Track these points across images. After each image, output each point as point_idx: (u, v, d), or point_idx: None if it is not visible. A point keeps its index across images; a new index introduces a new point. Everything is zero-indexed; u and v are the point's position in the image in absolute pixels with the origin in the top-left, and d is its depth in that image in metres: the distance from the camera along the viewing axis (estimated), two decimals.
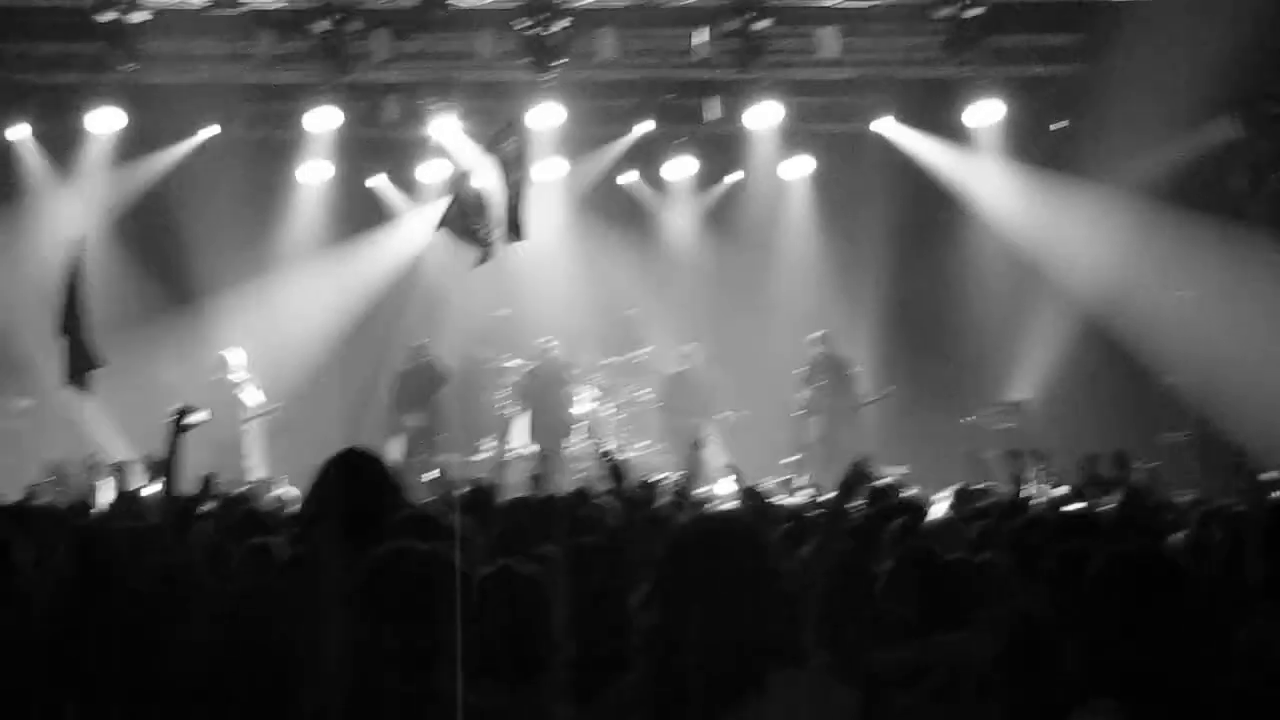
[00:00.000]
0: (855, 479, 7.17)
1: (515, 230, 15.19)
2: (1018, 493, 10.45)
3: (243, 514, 8.80)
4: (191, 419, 7.78)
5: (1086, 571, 4.66)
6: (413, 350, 21.13)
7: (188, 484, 8.77)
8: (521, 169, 15.21)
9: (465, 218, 14.86)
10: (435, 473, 15.77)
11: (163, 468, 7.68)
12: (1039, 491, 12.42)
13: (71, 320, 14.06)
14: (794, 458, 20.00)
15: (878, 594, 6.84)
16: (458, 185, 14.98)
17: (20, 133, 21.78)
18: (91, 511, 10.78)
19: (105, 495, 11.85)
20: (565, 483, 15.28)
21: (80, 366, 14.08)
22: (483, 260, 15.15)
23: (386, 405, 21.12)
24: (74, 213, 21.29)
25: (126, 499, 10.93)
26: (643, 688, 4.14)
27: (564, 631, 5.27)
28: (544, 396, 21.34)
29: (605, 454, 7.75)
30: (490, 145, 15.13)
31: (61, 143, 21.97)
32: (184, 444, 7.71)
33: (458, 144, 22.16)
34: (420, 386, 21.28)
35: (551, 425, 21.14)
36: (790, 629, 4.03)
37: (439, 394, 21.56)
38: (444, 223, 14.86)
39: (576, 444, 21.22)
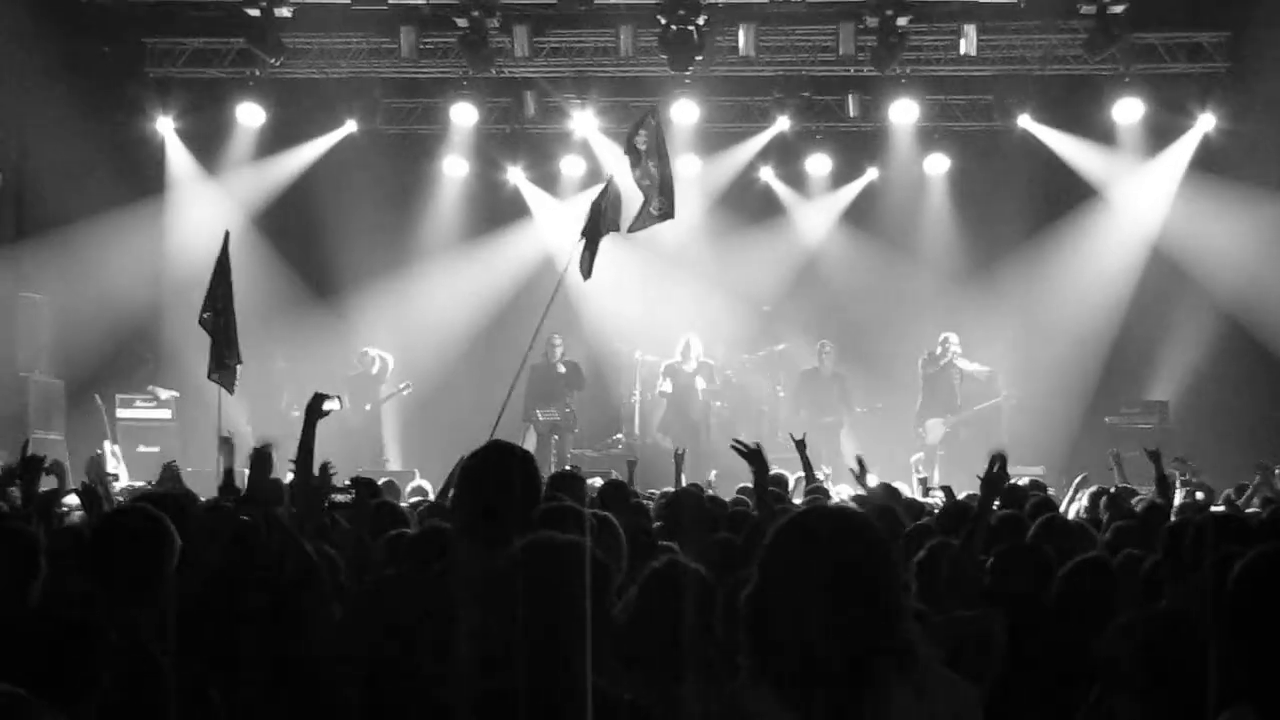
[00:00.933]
0: (996, 479, 7.14)
1: (666, 210, 15.12)
2: (1161, 493, 10.30)
3: (378, 505, 8.86)
4: (325, 406, 7.86)
5: (1231, 574, 4.58)
6: (547, 345, 21.17)
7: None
8: (662, 154, 15.13)
9: (598, 225, 14.79)
10: (567, 467, 15.82)
11: (299, 455, 7.76)
12: (1183, 493, 12.27)
13: (215, 315, 14.24)
14: (917, 457, 19.81)
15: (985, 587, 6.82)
16: (598, 197, 14.92)
17: (165, 127, 22.13)
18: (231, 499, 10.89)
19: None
20: (702, 479, 15.26)
21: (222, 361, 14.27)
22: (584, 269, 14.98)
23: (520, 399, 21.20)
24: (217, 206, 21.63)
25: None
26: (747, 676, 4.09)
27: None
28: (684, 392, 21.32)
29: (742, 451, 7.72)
30: (630, 137, 15.10)
31: (205, 137, 22.32)
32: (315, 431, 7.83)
33: (595, 140, 22.33)
34: (554, 381, 21.35)
35: (689, 420, 21.13)
36: (896, 623, 3.94)
37: (573, 389, 21.63)
38: (584, 234, 14.83)
39: (713, 440, 21.24)
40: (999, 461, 7.31)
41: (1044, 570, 6.82)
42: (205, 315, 14.26)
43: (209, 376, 14.49)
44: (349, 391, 20.69)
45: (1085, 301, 22.17)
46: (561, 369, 21.42)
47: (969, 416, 21.14)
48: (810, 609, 3.75)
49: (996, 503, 8.41)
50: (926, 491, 14.59)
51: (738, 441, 7.92)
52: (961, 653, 5.95)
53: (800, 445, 11.64)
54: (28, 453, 8.00)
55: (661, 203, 14.91)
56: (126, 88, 21.68)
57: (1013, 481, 10.63)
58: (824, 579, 3.77)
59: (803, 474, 12.06)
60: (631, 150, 15.01)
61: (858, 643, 3.76)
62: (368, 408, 21.30)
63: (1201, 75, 21.24)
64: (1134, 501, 11.19)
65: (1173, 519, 8.62)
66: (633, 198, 15.14)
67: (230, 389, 14.63)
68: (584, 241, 14.60)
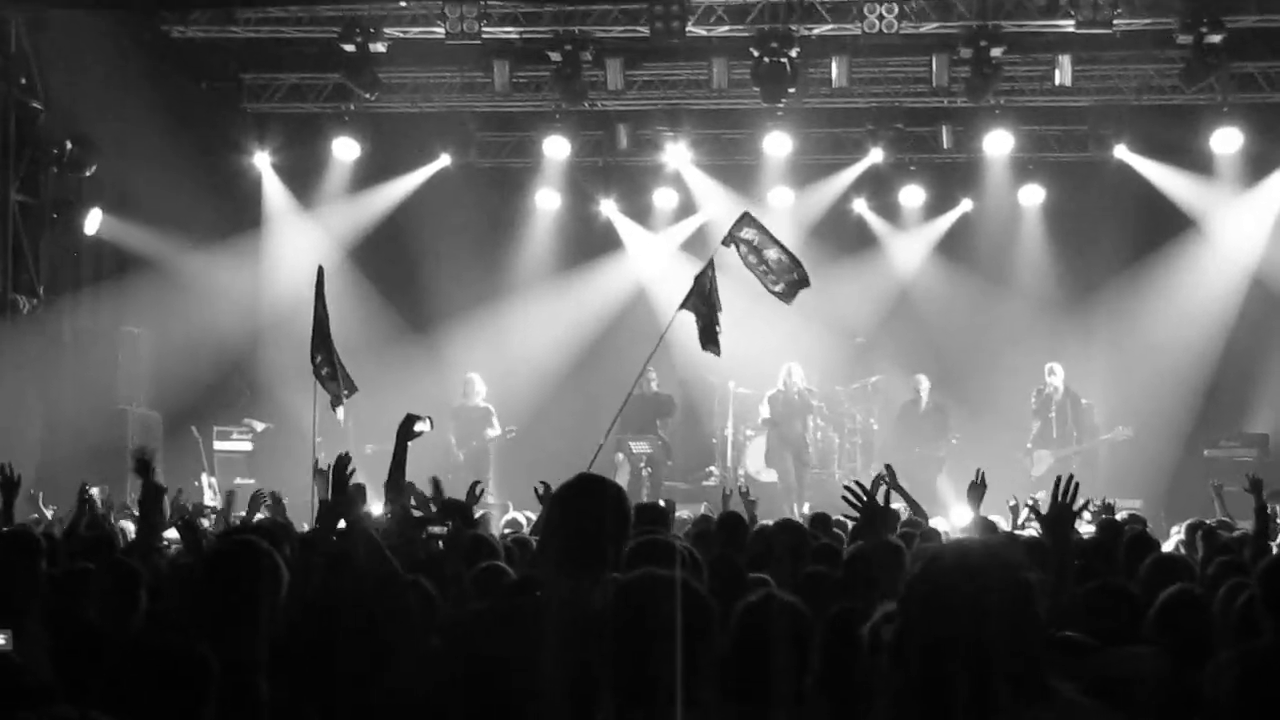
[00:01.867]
0: (1060, 515, 7.09)
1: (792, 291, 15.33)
2: (1260, 525, 10.15)
3: (472, 537, 8.88)
4: (416, 428, 7.90)
5: None
6: (641, 376, 21.13)
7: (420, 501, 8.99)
8: (777, 241, 15.26)
9: (705, 305, 14.92)
10: (661, 501, 15.78)
11: (390, 479, 7.81)
12: None
13: (325, 355, 14.30)
14: (1023, 491, 19.61)
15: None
16: (702, 277, 14.98)
17: (262, 161, 22.40)
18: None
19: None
20: (803, 509, 15.20)
21: (338, 396, 14.37)
22: (712, 347, 15.14)
23: (614, 430, 21.17)
24: (313, 240, 21.84)
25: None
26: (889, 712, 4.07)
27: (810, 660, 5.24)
28: (786, 421, 21.22)
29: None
30: (732, 233, 15.21)
31: (301, 171, 22.57)
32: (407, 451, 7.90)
33: (688, 172, 22.40)
34: (648, 412, 21.31)
35: (792, 450, 21.04)
36: (1033, 654, 3.91)
37: (664, 416, 21.60)
38: (686, 304, 14.94)
39: (812, 470, 21.20)
40: (1060, 498, 7.22)
41: (1134, 605, 6.75)
42: (318, 360, 14.31)
43: (332, 408, 14.58)
44: (454, 422, 20.70)
45: (1184, 333, 21.92)
46: (652, 396, 21.34)
47: (1076, 450, 20.94)
48: (949, 643, 3.74)
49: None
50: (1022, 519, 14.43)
51: (856, 488, 7.69)
52: (1124, 688, 5.90)
53: (893, 478, 11.46)
54: (153, 479, 7.94)
55: (799, 274, 15.14)
56: (224, 123, 21.97)
57: (1113, 516, 10.53)
58: (962, 613, 3.76)
59: (894, 505, 11.95)
60: (737, 244, 15.08)
61: (995, 675, 3.74)
62: (474, 443, 21.26)
63: None
64: (1233, 535, 11.04)
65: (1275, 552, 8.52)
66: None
67: (337, 418, 14.81)
68: (698, 319, 14.73)
